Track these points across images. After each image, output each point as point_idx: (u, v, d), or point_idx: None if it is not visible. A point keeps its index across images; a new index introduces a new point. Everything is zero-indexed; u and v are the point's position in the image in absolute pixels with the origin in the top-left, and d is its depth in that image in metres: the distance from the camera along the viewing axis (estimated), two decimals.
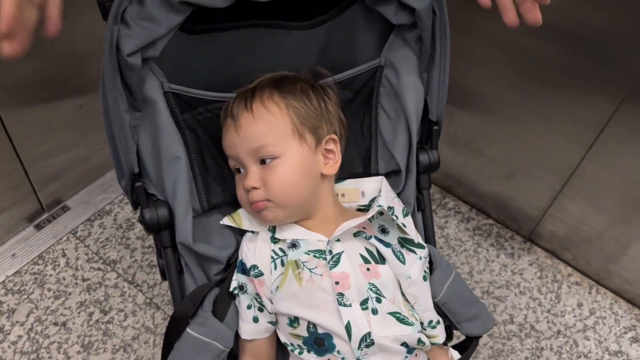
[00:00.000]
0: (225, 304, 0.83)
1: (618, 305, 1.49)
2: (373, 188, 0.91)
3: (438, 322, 0.87)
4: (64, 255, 1.47)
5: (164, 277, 0.84)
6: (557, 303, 1.48)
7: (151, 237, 1.04)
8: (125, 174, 0.77)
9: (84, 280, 1.43)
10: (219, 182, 0.87)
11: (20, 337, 1.32)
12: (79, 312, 1.37)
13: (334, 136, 0.86)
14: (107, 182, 1.64)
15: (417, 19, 0.81)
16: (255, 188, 0.79)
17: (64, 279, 1.43)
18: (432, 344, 0.87)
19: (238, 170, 0.83)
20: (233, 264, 0.86)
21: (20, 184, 1.44)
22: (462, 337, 0.93)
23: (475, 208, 1.68)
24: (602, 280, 1.53)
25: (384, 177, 0.92)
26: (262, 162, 0.80)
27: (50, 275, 1.43)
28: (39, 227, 1.52)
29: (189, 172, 0.82)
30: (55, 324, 1.35)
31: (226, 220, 0.85)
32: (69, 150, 1.52)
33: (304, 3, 0.84)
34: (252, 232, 0.85)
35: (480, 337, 0.92)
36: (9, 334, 1.32)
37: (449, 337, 0.92)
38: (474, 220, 1.65)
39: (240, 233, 0.89)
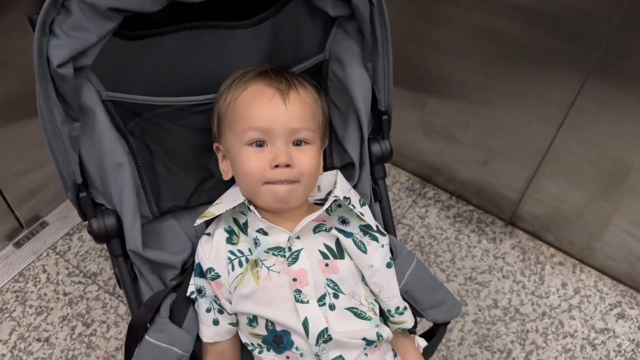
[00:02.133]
0: (182, 308, 0.83)
1: (603, 283, 1.48)
2: (328, 181, 0.91)
3: (405, 308, 0.87)
4: (44, 271, 1.48)
5: (120, 285, 0.84)
6: (541, 284, 1.47)
7: None
8: (69, 186, 0.77)
9: (65, 294, 1.43)
10: (169, 187, 0.87)
11: (3, 355, 1.32)
12: (62, 327, 1.37)
13: (327, 142, 0.90)
14: None
15: (354, 10, 0.81)
16: (289, 166, 0.78)
17: (45, 294, 1.43)
18: (402, 329, 0.88)
19: (258, 144, 0.80)
20: (189, 268, 0.86)
21: None
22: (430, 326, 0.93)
23: (455, 195, 1.67)
24: (585, 258, 1.51)
25: (338, 171, 0.91)
26: (295, 143, 0.80)
27: (32, 292, 1.43)
28: (18, 244, 1.52)
29: (135, 179, 0.82)
30: (39, 340, 1.35)
31: (198, 221, 0.84)
32: (44, 166, 1.52)
33: (242, 2, 0.84)
34: (208, 234, 0.85)
35: (447, 323, 0.92)
36: None
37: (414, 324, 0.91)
38: (454, 208, 1.64)
39: (196, 237, 0.88)
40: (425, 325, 0.98)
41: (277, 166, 0.78)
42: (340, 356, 0.77)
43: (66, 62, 0.69)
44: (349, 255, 0.83)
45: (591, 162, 1.34)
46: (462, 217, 1.62)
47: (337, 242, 0.83)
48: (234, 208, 0.83)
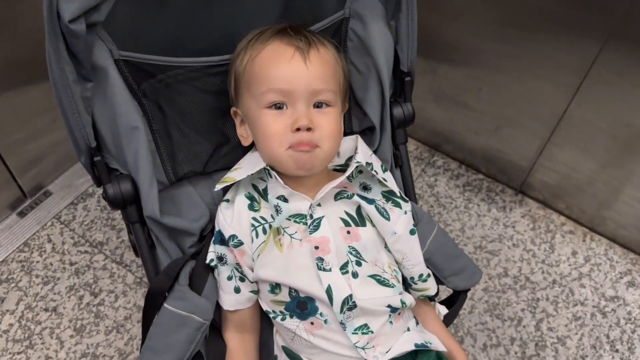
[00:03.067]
0: (202, 276, 0.81)
1: (613, 251, 1.47)
2: (348, 147, 0.88)
3: (429, 275, 0.85)
4: (49, 240, 1.45)
5: (136, 253, 0.81)
6: (552, 253, 1.47)
7: None
8: (82, 150, 0.74)
9: (71, 264, 1.41)
10: (185, 152, 0.84)
11: (11, 325, 1.31)
12: (69, 297, 1.36)
13: (347, 105, 0.86)
14: None
15: None
16: (310, 129, 0.75)
17: (51, 264, 1.41)
18: (425, 297, 0.86)
19: (277, 107, 0.76)
20: (208, 235, 0.83)
21: None
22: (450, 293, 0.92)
23: (465, 164, 1.65)
24: (596, 227, 1.51)
25: (358, 135, 0.89)
26: (315, 106, 0.77)
27: (37, 262, 1.41)
28: (22, 214, 1.49)
29: (150, 143, 0.79)
30: (46, 309, 1.34)
31: (218, 186, 0.81)
32: (46, 134, 1.48)
33: None
34: (227, 200, 0.82)
35: (467, 290, 0.91)
36: (0, 323, 1.31)
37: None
38: (464, 177, 1.63)
39: (214, 204, 0.86)
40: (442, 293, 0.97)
41: (298, 129, 0.75)
42: (366, 324, 0.75)
43: (78, 18, 0.65)
44: (371, 223, 0.81)
45: (605, 129, 1.32)
46: (471, 185, 1.60)
47: (359, 209, 0.81)
48: (252, 174, 0.80)
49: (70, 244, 1.45)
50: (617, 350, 1.30)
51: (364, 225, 0.81)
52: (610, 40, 1.17)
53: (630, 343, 1.32)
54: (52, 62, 0.67)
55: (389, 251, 0.82)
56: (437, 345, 0.81)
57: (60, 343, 1.29)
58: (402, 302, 0.79)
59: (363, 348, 0.75)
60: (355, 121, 0.91)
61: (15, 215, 1.49)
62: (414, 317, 0.84)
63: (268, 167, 0.79)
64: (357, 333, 0.75)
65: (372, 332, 0.76)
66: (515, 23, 1.28)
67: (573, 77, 1.28)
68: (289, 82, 0.75)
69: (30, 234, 1.46)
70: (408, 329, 0.80)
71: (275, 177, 0.78)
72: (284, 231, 0.78)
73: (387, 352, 0.76)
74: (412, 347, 0.77)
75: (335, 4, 0.86)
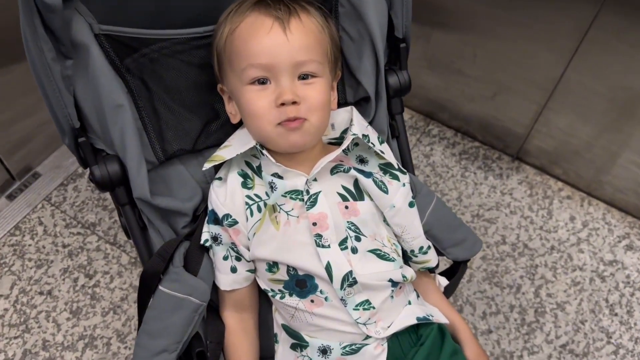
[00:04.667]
0: (197, 257, 0.79)
1: (611, 215, 1.47)
2: (343, 119, 0.85)
3: (429, 247, 0.84)
4: (40, 223, 1.43)
5: (128, 236, 0.79)
6: (549, 219, 1.46)
7: None
8: (66, 131, 0.71)
9: (64, 246, 1.39)
10: (173, 130, 0.80)
11: (6, 310, 1.29)
12: (64, 279, 1.34)
13: (339, 72, 0.83)
14: None
15: None
16: (296, 103, 0.71)
17: (43, 247, 1.39)
18: (425, 269, 0.85)
19: (260, 82, 0.72)
20: (201, 215, 0.81)
21: None
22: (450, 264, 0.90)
23: (460, 132, 1.62)
24: (593, 191, 1.49)
25: (353, 107, 0.86)
26: (300, 78, 0.73)
27: (30, 245, 1.39)
28: (11, 197, 1.46)
29: (137, 121, 0.76)
30: (41, 293, 1.32)
31: (207, 165, 0.78)
32: (32, 115, 1.44)
33: None
34: (220, 179, 0.80)
35: (467, 261, 0.89)
36: None
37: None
38: (460, 145, 1.60)
39: (206, 182, 0.83)
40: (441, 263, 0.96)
41: (283, 104, 0.71)
42: (367, 300, 0.74)
43: None
44: (369, 196, 0.79)
45: (603, 93, 1.29)
46: (467, 154, 1.58)
47: (356, 182, 0.79)
48: (244, 152, 0.77)
49: (62, 226, 1.42)
50: (616, 314, 1.31)
51: (362, 199, 0.79)
52: (607, 2, 1.14)
53: (629, 306, 1.32)
54: (28, 40, 0.64)
55: (388, 225, 0.81)
56: (439, 317, 0.80)
57: (57, 326, 1.27)
58: (403, 276, 0.77)
59: (364, 324, 0.74)
60: (349, 91, 0.88)
61: (4, 198, 1.46)
62: (415, 290, 0.83)
63: (258, 146, 0.76)
64: (358, 309, 0.74)
65: (373, 307, 0.74)
66: None
67: (569, 40, 1.25)
68: (269, 55, 0.71)
69: (21, 217, 1.43)
70: (409, 303, 0.79)
71: (267, 156, 0.75)
72: (280, 208, 0.76)
73: (388, 327, 0.75)
74: (414, 321, 0.76)
75: None
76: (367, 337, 0.75)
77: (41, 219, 1.43)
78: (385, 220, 0.80)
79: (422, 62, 1.53)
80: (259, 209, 0.76)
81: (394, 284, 0.76)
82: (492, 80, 1.45)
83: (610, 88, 1.27)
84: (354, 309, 0.74)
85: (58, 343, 1.25)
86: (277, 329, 0.82)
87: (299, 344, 0.77)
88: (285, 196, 0.76)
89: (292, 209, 0.76)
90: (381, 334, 0.75)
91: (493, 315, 1.30)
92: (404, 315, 0.77)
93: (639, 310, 1.31)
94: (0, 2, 1.19)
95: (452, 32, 1.43)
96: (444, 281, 0.88)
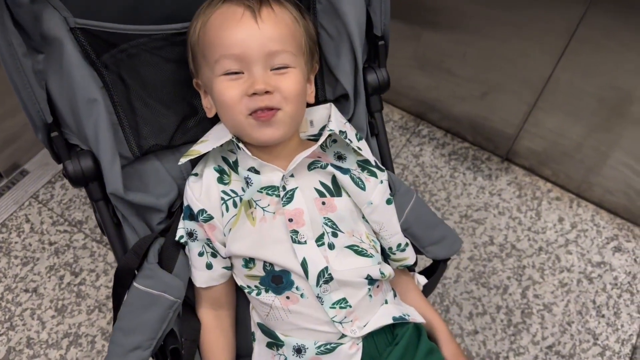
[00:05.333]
0: (172, 253, 0.78)
1: (600, 217, 1.46)
2: (322, 116, 0.85)
3: (407, 245, 0.83)
4: (27, 220, 1.42)
5: (103, 232, 0.79)
6: (538, 220, 1.45)
7: None
8: (38, 126, 0.71)
9: (51, 244, 1.39)
10: (149, 125, 0.80)
11: None
12: (49, 277, 1.34)
13: (317, 66, 0.82)
14: None
15: None
16: (269, 92, 0.71)
17: (30, 244, 1.39)
18: (403, 266, 0.85)
19: (234, 73, 0.72)
20: (177, 211, 0.81)
21: None
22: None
23: (450, 132, 1.62)
24: (582, 192, 1.49)
25: (332, 104, 0.85)
26: (273, 69, 0.72)
27: (16, 243, 1.39)
28: None
29: (112, 116, 0.76)
30: (26, 290, 1.32)
31: (182, 160, 0.78)
32: (20, 112, 1.39)
33: None
34: (196, 174, 0.79)
35: (447, 260, 0.89)
36: None
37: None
38: (449, 145, 1.60)
39: (182, 178, 0.83)
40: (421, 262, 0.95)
41: (255, 94, 0.71)
42: (344, 299, 0.73)
43: None
44: (347, 193, 0.78)
45: (592, 93, 1.29)
46: (457, 154, 1.58)
47: (334, 179, 0.78)
48: (221, 146, 0.77)
49: (49, 223, 1.42)
50: (603, 316, 1.30)
51: (339, 195, 0.78)
52: (595, 1, 1.13)
53: (616, 308, 1.31)
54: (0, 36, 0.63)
55: (367, 221, 0.80)
56: (415, 317, 0.79)
57: (42, 324, 1.27)
58: (381, 273, 0.77)
59: (341, 322, 0.74)
60: (328, 89, 0.88)
61: None
62: (392, 289, 0.83)
63: (234, 139, 0.76)
64: (334, 307, 0.73)
65: (350, 306, 0.74)
66: None
67: (558, 39, 1.24)
68: (241, 45, 0.70)
69: (8, 214, 1.43)
70: (386, 302, 0.79)
71: (243, 149, 0.75)
72: (256, 204, 0.75)
73: (364, 326, 0.75)
74: (390, 321, 0.76)
75: None
76: (343, 336, 0.74)
77: (28, 217, 1.43)
78: (364, 216, 0.80)
79: (412, 61, 1.53)
80: (235, 205, 0.76)
81: (371, 281, 0.76)
82: (482, 79, 1.44)
83: (600, 87, 1.27)
84: (330, 307, 0.73)
85: (42, 341, 1.25)
86: (254, 328, 0.82)
87: (274, 342, 0.77)
88: (262, 192, 0.75)
89: (268, 205, 0.75)
90: (357, 332, 0.74)
91: (479, 316, 1.30)
92: (380, 314, 0.76)
93: (626, 312, 1.30)
94: None
95: (442, 31, 1.42)
96: (423, 280, 0.87)
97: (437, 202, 1.48)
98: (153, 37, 0.78)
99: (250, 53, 0.70)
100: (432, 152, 1.58)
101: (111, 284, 1.31)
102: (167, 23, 0.78)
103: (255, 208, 0.75)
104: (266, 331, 0.77)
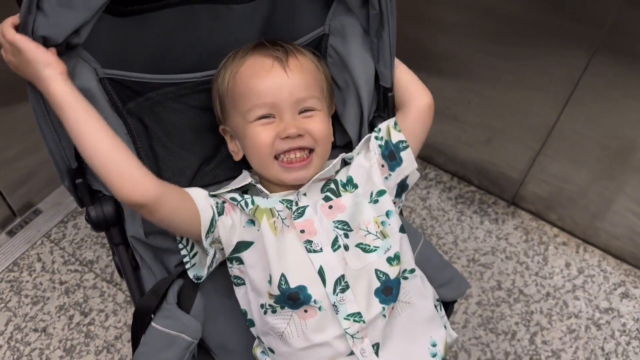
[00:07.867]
0: (190, 294, 0.80)
1: (606, 262, 1.47)
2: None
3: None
4: (39, 259, 1.44)
5: (121, 275, 0.81)
6: (545, 265, 1.46)
7: None
8: (63, 172, 0.74)
9: (61, 283, 1.40)
10: (171, 169, 0.83)
11: (0, 347, 1.29)
12: (59, 316, 1.34)
13: (334, 107, 0.88)
14: None
15: None
16: (301, 136, 0.77)
17: (41, 284, 1.40)
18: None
19: (264, 117, 0.78)
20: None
21: None
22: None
23: (457, 176, 1.65)
24: (589, 238, 1.50)
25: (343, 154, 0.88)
26: (300, 112, 0.78)
27: (27, 282, 1.40)
28: (11, 233, 1.48)
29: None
30: (35, 330, 1.32)
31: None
32: (35, 152, 1.47)
33: None
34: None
35: (455, 301, 0.90)
36: None
37: None
38: (456, 189, 1.62)
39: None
40: None
41: (287, 137, 0.76)
42: (359, 312, 0.73)
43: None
44: (348, 188, 0.81)
45: (596, 140, 1.32)
46: (464, 198, 1.60)
47: (335, 182, 0.83)
48: (237, 188, 0.81)
49: (60, 262, 1.44)
50: None
51: (345, 189, 0.82)
52: (598, 51, 1.17)
53: (625, 355, 1.30)
54: (29, 87, 0.67)
55: (373, 202, 0.81)
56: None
57: None
58: (389, 260, 0.77)
59: (352, 336, 0.73)
60: (337, 135, 0.92)
61: (4, 234, 1.48)
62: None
63: (257, 184, 0.80)
64: (349, 319, 0.73)
65: (364, 321, 0.73)
66: (504, 35, 1.28)
67: (562, 88, 1.28)
68: (272, 94, 0.76)
69: (20, 253, 1.45)
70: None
71: (264, 191, 0.80)
72: (279, 214, 0.78)
73: (373, 346, 0.74)
74: None
75: (315, 21, 0.87)
76: (351, 353, 0.73)
77: (40, 256, 1.45)
78: (370, 201, 0.81)
79: None
80: (253, 202, 0.78)
81: (384, 300, 0.75)
82: (487, 126, 1.48)
83: (603, 136, 1.30)
84: (344, 318, 0.73)
85: None
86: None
87: None
88: (283, 203, 0.79)
89: (286, 218, 0.78)
90: (365, 352, 0.73)
91: None
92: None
93: (635, 359, 1.30)
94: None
95: (448, 79, 1.46)
96: (454, 334, 0.88)
97: (444, 246, 1.49)
98: (181, 86, 0.82)
99: (282, 100, 0.76)
100: (439, 195, 1.60)
101: (120, 324, 1.33)
102: (192, 72, 0.83)
103: (277, 218, 0.77)
104: None
